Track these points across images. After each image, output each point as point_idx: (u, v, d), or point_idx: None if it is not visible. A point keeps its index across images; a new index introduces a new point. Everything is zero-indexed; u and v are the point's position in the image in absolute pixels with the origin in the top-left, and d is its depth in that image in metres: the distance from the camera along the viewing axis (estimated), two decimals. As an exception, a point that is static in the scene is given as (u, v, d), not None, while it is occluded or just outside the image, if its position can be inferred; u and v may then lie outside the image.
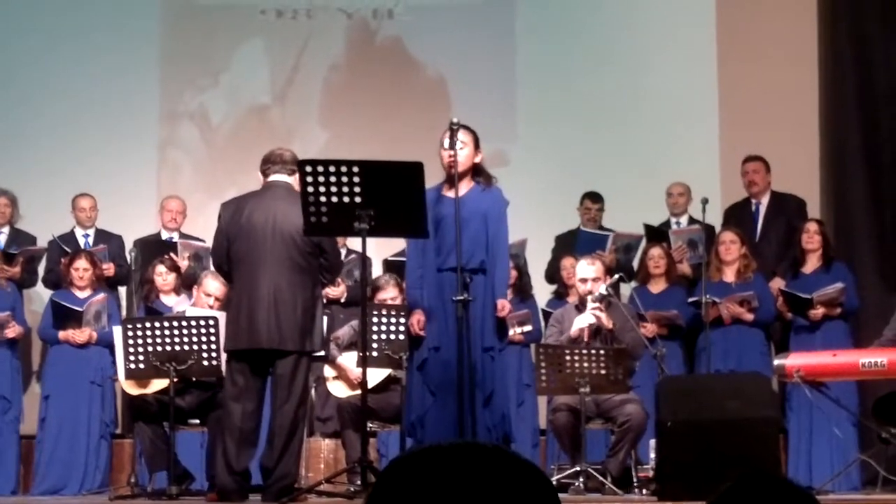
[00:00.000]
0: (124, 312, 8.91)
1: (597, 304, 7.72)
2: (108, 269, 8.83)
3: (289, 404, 6.41)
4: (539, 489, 1.39)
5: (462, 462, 1.38)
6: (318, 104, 10.34)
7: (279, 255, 6.44)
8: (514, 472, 1.38)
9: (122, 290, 9.27)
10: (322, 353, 7.41)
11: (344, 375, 7.67)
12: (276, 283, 6.41)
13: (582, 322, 7.67)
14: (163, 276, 8.27)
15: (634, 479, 7.26)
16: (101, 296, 8.57)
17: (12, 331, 8.52)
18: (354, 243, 7.61)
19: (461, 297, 6.20)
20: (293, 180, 6.57)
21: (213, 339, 7.22)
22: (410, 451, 1.49)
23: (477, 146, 6.61)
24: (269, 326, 6.39)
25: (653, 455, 6.89)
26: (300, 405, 6.51)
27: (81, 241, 9.13)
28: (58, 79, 10.05)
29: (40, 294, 9.15)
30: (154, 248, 8.78)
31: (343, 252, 8.60)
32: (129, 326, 7.47)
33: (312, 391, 8.37)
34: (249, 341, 6.51)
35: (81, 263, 8.55)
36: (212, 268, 7.95)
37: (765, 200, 9.31)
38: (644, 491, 6.97)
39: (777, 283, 8.68)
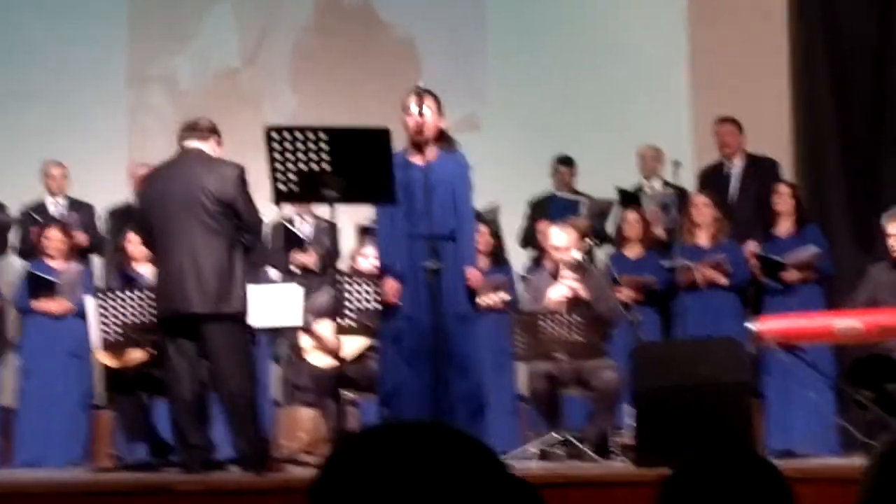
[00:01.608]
0: (98, 282, 8.91)
1: (572, 273, 7.75)
2: (81, 238, 8.82)
3: (226, 371, 6.39)
4: (489, 469, 1.40)
5: (414, 445, 1.39)
6: (287, 67, 10.32)
7: (191, 221, 6.41)
8: (467, 452, 1.39)
9: (96, 260, 9.27)
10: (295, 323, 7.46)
11: (321, 345, 7.69)
12: (190, 249, 6.39)
13: (557, 294, 7.67)
14: (135, 244, 8.22)
15: (612, 446, 7.26)
16: (76, 266, 8.58)
17: (-9, 302, 8.56)
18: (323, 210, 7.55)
19: (431, 265, 6.23)
20: (207, 146, 6.61)
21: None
22: (359, 434, 1.51)
23: (440, 112, 6.63)
24: (185, 292, 6.36)
25: (628, 421, 6.93)
26: (240, 368, 6.44)
27: (53, 210, 9.09)
28: (24, 45, 10.01)
29: (12, 265, 9.08)
30: (126, 216, 8.74)
31: (319, 221, 8.64)
32: (102, 297, 7.47)
33: (279, 360, 8.43)
34: (169, 310, 6.52)
35: (54, 233, 8.55)
36: None
37: (738, 162, 9.30)
38: (622, 457, 6.97)
39: (751, 247, 8.65)
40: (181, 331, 6.49)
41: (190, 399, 6.46)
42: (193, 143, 6.62)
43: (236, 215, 6.46)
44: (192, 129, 6.68)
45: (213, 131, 6.70)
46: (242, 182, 6.50)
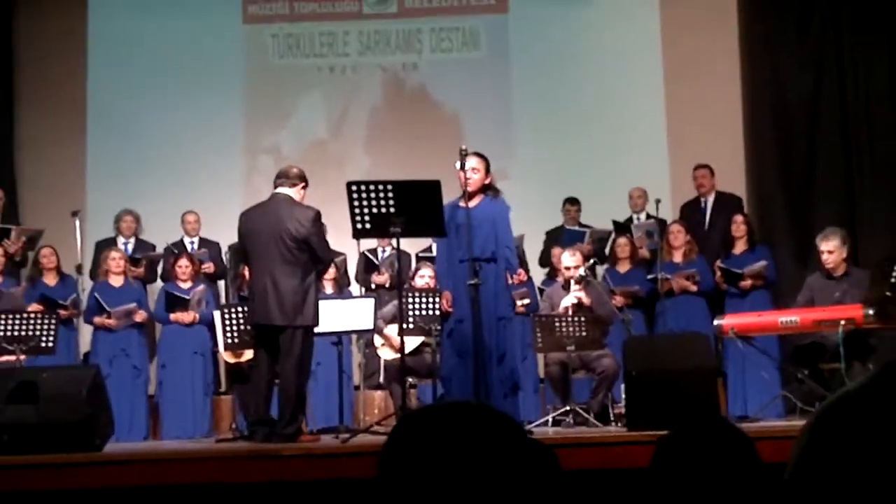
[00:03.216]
0: (222, 300, 8.97)
1: (578, 287, 7.77)
2: (208, 267, 8.89)
3: (288, 368, 6.35)
4: (515, 437, 1.39)
5: (457, 418, 1.38)
6: (362, 137, 10.31)
7: (272, 252, 6.39)
8: (501, 426, 1.38)
9: (221, 283, 9.32)
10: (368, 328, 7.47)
11: (389, 343, 7.69)
12: (270, 274, 6.37)
13: (567, 302, 7.71)
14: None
15: (611, 415, 7.26)
16: (201, 287, 8.63)
17: (139, 316, 8.56)
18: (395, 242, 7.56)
19: (473, 282, 6.23)
20: (293, 191, 6.54)
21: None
22: (417, 410, 1.50)
23: (488, 170, 6.63)
24: (266, 308, 6.37)
25: (623, 396, 6.89)
26: (297, 368, 6.37)
27: (189, 247, 9.19)
28: (168, 123, 10.07)
29: (155, 290, 9.13)
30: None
31: (388, 250, 8.66)
32: (226, 311, 7.54)
33: (360, 354, 8.43)
34: (255, 318, 6.54)
35: (184, 262, 8.64)
36: None
37: (711, 199, 9.32)
38: (618, 424, 6.97)
39: (717, 262, 8.64)
40: (264, 336, 6.50)
41: (264, 387, 6.47)
42: (282, 189, 6.58)
43: (310, 250, 6.42)
44: (284, 176, 6.64)
45: (300, 178, 6.62)
46: (316, 223, 6.46)
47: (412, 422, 1.42)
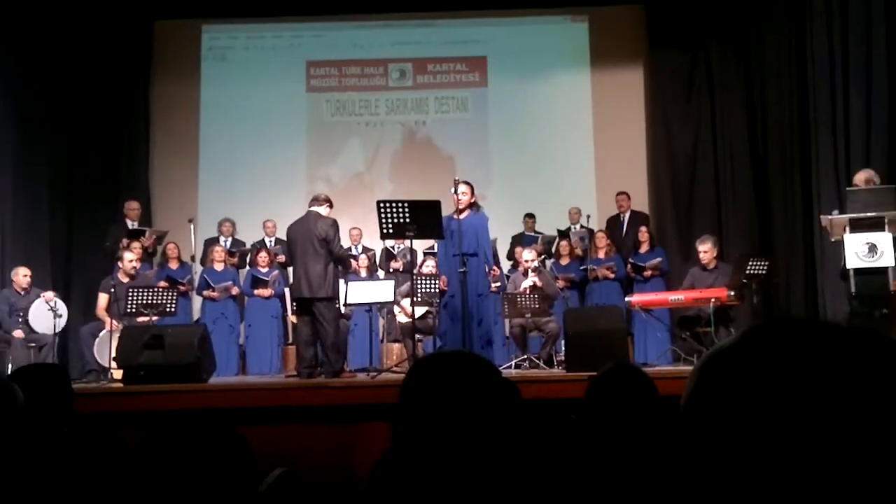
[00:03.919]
0: (290, 280, 8.94)
1: (533, 274, 7.76)
2: (281, 258, 8.79)
3: (325, 326, 6.40)
4: (491, 374, 1.39)
5: (450, 361, 1.38)
6: (387, 171, 10.28)
7: (306, 249, 6.47)
8: (476, 364, 1.38)
9: (290, 269, 9.29)
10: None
11: (403, 311, 7.68)
12: (305, 264, 6.45)
13: (525, 284, 7.69)
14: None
15: (555, 362, 7.23)
16: (275, 272, 8.60)
17: (234, 291, 8.53)
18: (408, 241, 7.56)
19: (462, 269, 6.22)
20: (322, 208, 6.62)
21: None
22: (426, 356, 1.50)
23: (473, 193, 6.64)
24: (300, 286, 6.49)
25: (563, 349, 6.88)
26: (332, 325, 6.44)
27: (267, 244, 9.15)
28: (255, 158, 10.04)
29: (244, 274, 9.10)
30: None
31: (402, 247, 8.64)
32: (290, 288, 7.52)
33: (384, 318, 8.42)
34: (296, 292, 6.66)
35: (263, 254, 8.62)
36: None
37: (627, 215, 9.23)
38: (559, 367, 6.94)
39: (630, 259, 8.63)
40: (302, 305, 6.56)
41: (304, 339, 6.51)
42: (314, 207, 6.65)
43: (329, 248, 6.44)
44: (315, 199, 6.75)
45: (326, 200, 6.73)
46: (334, 230, 6.53)
47: (423, 364, 1.43)
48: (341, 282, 7.75)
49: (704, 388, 0.68)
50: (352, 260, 8.37)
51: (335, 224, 6.57)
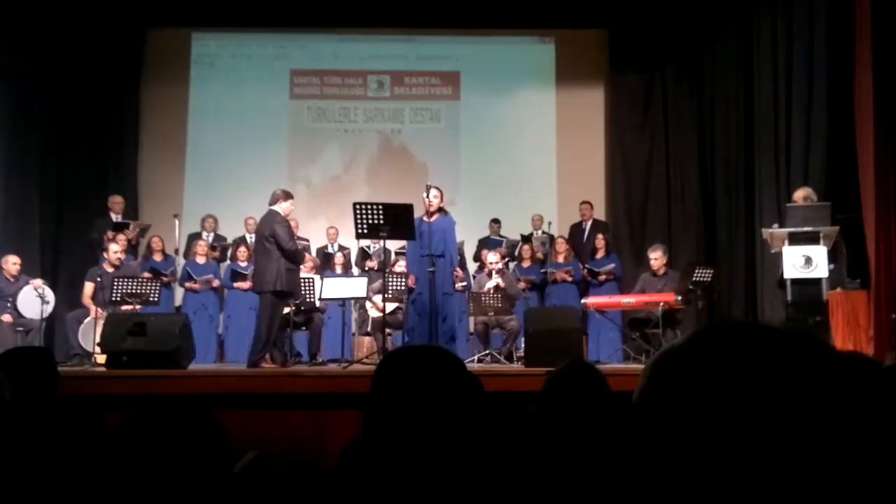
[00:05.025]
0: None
1: (497, 275, 7.77)
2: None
3: (258, 317, 6.40)
4: (454, 366, 1.38)
5: (418, 354, 1.38)
6: (364, 175, 10.22)
7: (258, 246, 6.46)
8: (442, 358, 1.38)
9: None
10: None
11: (376, 306, 7.65)
12: (256, 259, 6.50)
13: (490, 284, 7.70)
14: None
15: (514, 358, 7.24)
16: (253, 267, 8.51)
17: (214, 283, 8.45)
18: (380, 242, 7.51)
19: (431, 269, 6.22)
20: (277, 206, 6.48)
21: (311, 289, 7.24)
22: (395, 349, 1.49)
23: (442, 198, 6.64)
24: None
25: (523, 345, 6.90)
26: (264, 318, 6.32)
27: (248, 240, 9.00)
28: (238, 159, 9.92)
29: (224, 267, 8.99)
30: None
31: (378, 246, 8.58)
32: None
33: (355, 314, 8.34)
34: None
35: (243, 249, 8.44)
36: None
37: (589, 223, 9.21)
38: (519, 363, 6.96)
39: (587, 263, 8.65)
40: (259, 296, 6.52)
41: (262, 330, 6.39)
42: (271, 205, 6.53)
43: (277, 244, 6.32)
44: (272, 196, 6.58)
45: (281, 196, 6.54)
46: (282, 227, 6.37)
47: (393, 357, 1.42)
48: (317, 278, 7.69)
49: (656, 384, 0.69)
50: (307, 255, 8.20)
51: (284, 221, 6.40)
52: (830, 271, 5.94)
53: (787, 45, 7.94)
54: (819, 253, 5.88)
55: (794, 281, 5.94)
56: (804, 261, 5.88)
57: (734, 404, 0.66)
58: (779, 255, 6.13)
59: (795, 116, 7.77)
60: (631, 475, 0.71)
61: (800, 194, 6.48)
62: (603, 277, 8.36)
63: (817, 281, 5.90)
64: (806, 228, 5.99)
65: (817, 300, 5.88)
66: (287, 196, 6.55)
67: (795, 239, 5.99)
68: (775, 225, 6.42)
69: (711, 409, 0.66)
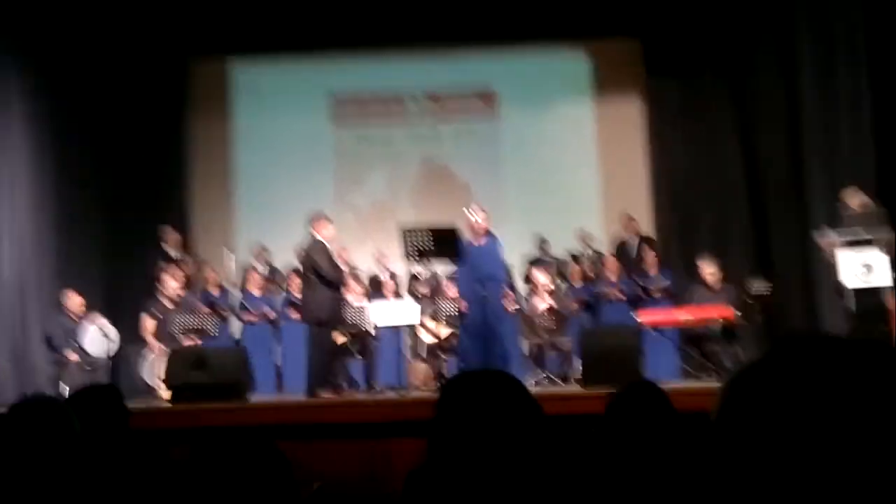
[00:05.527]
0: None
1: (549, 296, 7.69)
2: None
3: (309, 348, 6.37)
4: (517, 390, 1.37)
5: (483, 379, 1.37)
6: (408, 198, 10.25)
7: (303, 276, 6.52)
8: (505, 382, 1.36)
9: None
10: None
11: (429, 332, 7.64)
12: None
13: (542, 306, 7.62)
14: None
15: (571, 379, 7.14)
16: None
17: (271, 314, 8.51)
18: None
19: (482, 294, 6.20)
20: (315, 232, 6.48)
21: (363, 316, 7.28)
22: (453, 376, 1.48)
23: (486, 220, 6.62)
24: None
25: (579, 366, 6.81)
26: (314, 348, 6.33)
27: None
28: (287, 188, 9.97)
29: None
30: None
31: (428, 272, 8.58)
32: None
33: (408, 338, 8.32)
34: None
35: (297, 280, 8.47)
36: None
37: (636, 238, 9.03)
38: (575, 384, 6.85)
39: (639, 280, 8.49)
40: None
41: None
42: (309, 229, 6.55)
43: (316, 273, 6.33)
44: (310, 223, 6.58)
45: (316, 218, 6.54)
46: (319, 255, 6.34)
47: (457, 381, 1.41)
48: (368, 304, 7.70)
49: (735, 401, 0.67)
50: (350, 279, 8.25)
51: (321, 249, 6.37)
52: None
53: (829, 47, 7.74)
54: (879, 260, 5.70)
55: (856, 290, 5.75)
56: (864, 269, 5.70)
57: (819, 422, 0.64)
58: (833, 261, 5.95)
59: (843, 116, 7.56)
60: (709, 494, 0.69)
61: (855, 201, 6.30)
62: (656, 294, 8.21)
63: (878, 289, 5.71)
64: (863, 236, 5.81)
65: (881, 309, 5.69)
66: (325, 222, 6.55)
67: (852, 246, 5.82)
68: (830, 232, 6.24)
69: (795, 428, 0.64)
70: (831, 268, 6.21)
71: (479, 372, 1.41)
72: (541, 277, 7.87)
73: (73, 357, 7.43)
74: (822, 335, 0.72)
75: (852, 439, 0.63)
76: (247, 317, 8.49)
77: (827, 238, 6.08)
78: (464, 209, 6.58)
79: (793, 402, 0.64)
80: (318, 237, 6.48)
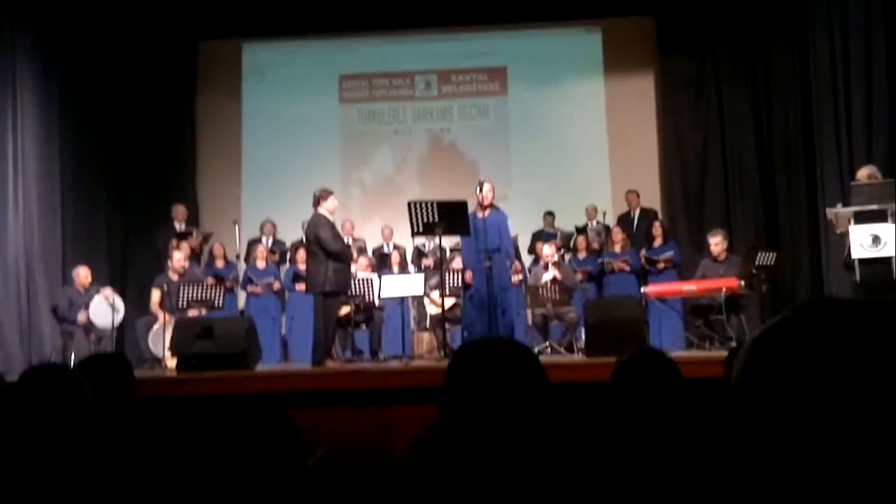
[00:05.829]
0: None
1: (553, 267, 7.69)
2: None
3: (313, 319, 6.39)
4: (528, 358, 1.36)
5: (490, 347, 1.36)
6: (416, 173, 10.26)
7: (307, 249, 6.52)
8: (517, 350, 1.36)
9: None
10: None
11: (434, 303, 7.66)
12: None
13: (546, 277, 7.63)
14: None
15: (575, 349, 7.17)
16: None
17: (275, 286, 8.56)
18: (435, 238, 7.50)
19: (487, 264, 6.19)
20: (321, 208, 6.48)
21: (369, 289, 7.27)
22: (465, 343, 1.48)
23: (493, 193, 6.60)
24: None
25: (583, 336, 6.82)
26: (319, 319, 6.33)
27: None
28: (293, 164, 10.06)
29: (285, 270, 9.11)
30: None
31: (432, 244, 8.59)
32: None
33: (414, 309, 8.35)
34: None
35: (301, 253, 8.46)
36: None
37: (637, 211, 9.13)
38: (579, 353, 6.89)
39: (643, 252, 8.51)
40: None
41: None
42: (315, 206, 6.54)
43: (320, 246, 6.34)
44: (314, 199, 6.57)
45: (321, 196, 6.52)
46: (324, 228, 6.35)
47: (466, 349, 1.40)
48: (375, 277, 7.72)
49: (757, 363, 0.65)
50: (363, 255, 8.23)
51: (326, 223, 6.39)
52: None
53: (843, 21, 7.64)
54: (887, 231, 5.66)
55: (863, 261, 5.73)
56: (872, 240, 5.67)
57: (840, 382, 0.63)
58: (845, 235, 5.92)
59: (855, 92, 7.48)
60: (725, 460, 0.68)
61: (864, 172, 6.25)
62: (662, 265, 8.21)
63: (886, 260, 5.68)
64: (871, 207, 5.77)
65: (888, 279, 5.66)
66: (327, 195, 6.55)
67: (861, 218, 5.78)
68: (839, 205, 6.20)
69: (817, 389, 0.62)
70: (841, 241, 6.18)
71: (489, 339, 1.41)
72: (546, 249, 7.87)
73: (82, 319, 7.47)
74: (851, 299, 0.70)
75: (878, 400, 0.62)
76: (251, 289, 8.51)
77: (836, 211, 6.04)
78: (478, 183, 6.57)
79: (818, 364, 0.63)
80: (322, 211, 6.49)
